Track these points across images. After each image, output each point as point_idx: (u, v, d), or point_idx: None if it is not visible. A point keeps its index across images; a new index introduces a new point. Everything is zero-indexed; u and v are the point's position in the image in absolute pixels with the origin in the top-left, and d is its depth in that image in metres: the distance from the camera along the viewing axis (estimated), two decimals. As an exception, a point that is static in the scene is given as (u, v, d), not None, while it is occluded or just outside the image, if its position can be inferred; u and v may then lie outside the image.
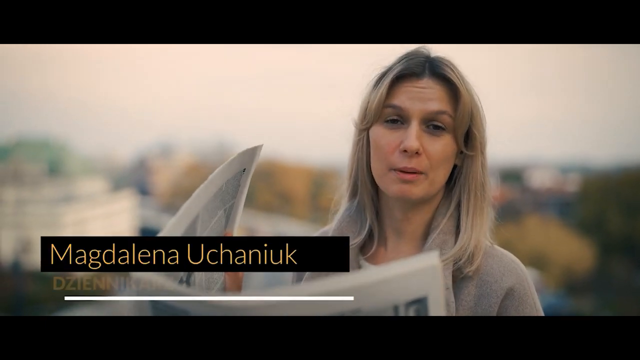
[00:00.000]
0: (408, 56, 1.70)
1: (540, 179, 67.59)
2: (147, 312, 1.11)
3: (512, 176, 65.78)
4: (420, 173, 1.64)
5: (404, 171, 1.63)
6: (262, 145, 1.60)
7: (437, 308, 1.07)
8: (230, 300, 1.03)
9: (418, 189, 1.65)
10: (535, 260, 38.08)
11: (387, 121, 1.67)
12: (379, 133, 1.68)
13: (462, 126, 1.66)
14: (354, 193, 1.79)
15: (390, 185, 1.66)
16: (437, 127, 1.65)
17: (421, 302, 1.05)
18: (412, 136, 1.62)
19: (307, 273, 1.75)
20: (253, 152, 1.58)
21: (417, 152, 1.62)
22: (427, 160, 1.64)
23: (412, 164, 1.63)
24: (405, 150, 1.62)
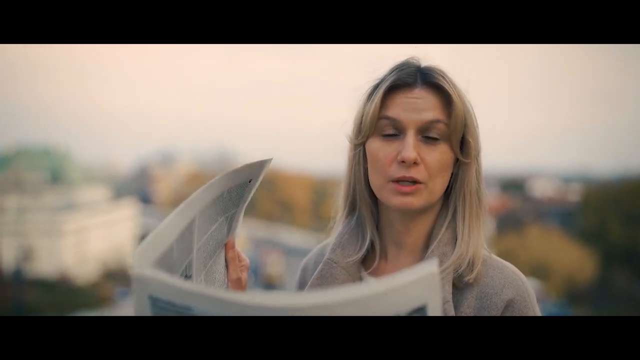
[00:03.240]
0: (399, 67, 1.69)
1: (542, 189, 67.64)
2: (147, 312, 1.10)
3: (514, 186, 65.82)
4: (420, 183, 1.63)
5: (402, 181, 1.62)
6: (271, 159, 1.59)
7: (437, 315, 1.06)
8: (239, 299, 1.02)
9: (418, 200, 1.64)
10: (536, 270, 38.06)
11: (383, 134, 1.66)
12: (375, 146, 1.66)
13: (456, 133, 1.65)
14: (352, 208, 1.78)
15: (390, 198, 1.65)
16: (433, 137, 1.64)
17: (421, 310, 1.05)
18: (410, 146, 1.61)
19: (309, 284, 1.74)
20: (262, 164, 1.56)
21: (415, 162, 1.61)
22: (425, 170, 1.63)
23: (411, 173, 1.61)
24: (403, 161, 1.61)
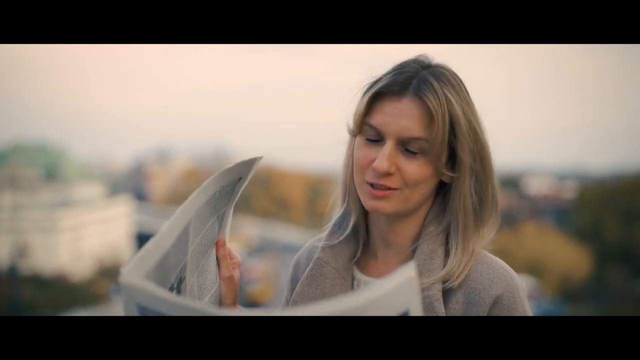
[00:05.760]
0: (398, 69, 1.65)
1: (537, 186, 67.67)
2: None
3: (510, 183, 65.78)
4: (394, 189, 1.62)
5: (374, 186, 1.62)
6: (262, 157, 1.59)
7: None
8: (222, 314, 1.03)
9: (390, 205, 1.63)
10: (532, 268, 38.06)
11: (366, 137, 1.64)
12: (359, 145, 1.66)
13: (436, 152, 1.61)
14: (344, 198, 1.78)
15: (364, 199, 1.65)
16: (413, 149, 1.61)
17: (405, 315, 1.05)
18: (384, 157, 1.59)
19: (296, 291, 1.74)
20: (252, 162, 1.57)
21: (388, 173, 1.60)
22: (401, 179, 1.61)
23: (383, 181, 1.60)
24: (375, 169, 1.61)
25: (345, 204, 1.78)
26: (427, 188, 1.65)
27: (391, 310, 1.04)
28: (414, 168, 1.61)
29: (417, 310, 1.06)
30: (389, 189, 1.61)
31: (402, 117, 1.60)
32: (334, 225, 1.78)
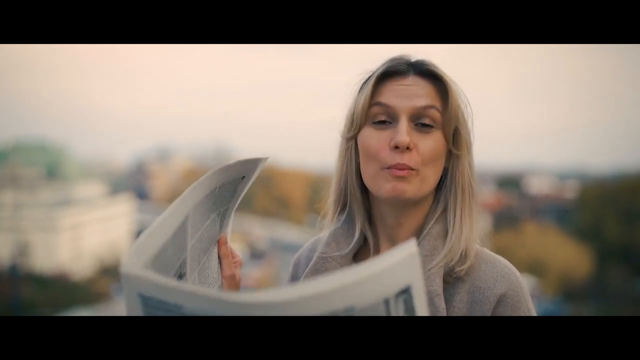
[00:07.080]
0: (390, 59, 1.69)
1: (538, 186, 67.68)
2: (138, 310, 1.11)
3: (510, 182, 65.87)
4: (412, 169, 1.62)
5: (396, 168, 1.61)
6: (267, 158, 1.58)
7: (420, 295, 1.07)
8: (229, 298, 1.03)
9: (410, 187, 1.62)
10: (532, 267, 38.09)
11: (375, 122, 1.65)
12: (368, 134, 1.66)
13: (451, 121, 1.65)
14: (344, 204, 1.78)
15: (383, 185, 1.64)
16: (426, 124, 1.63)
17: (407, 291, 1.05)
18: (403, 131, 1.60)
19: (302, 279, 1.75)
20: (256, 162, 1.56)
21: (408, 148, 1.61)
22: (419, 157, 1.62)
23: (404, 160, 1.60)
24: (396, 147, 1.61)
25: (347, 209, 1.77)
26: (439, 167, 1.67)
27: (393, 285, 1.04)
28: (430, 143, 1.63)
29: (419, 287, 1.06)
30: (408, 168, 1.62)
31: (411, 90, 1.64)
32: (334, 234, 1.77)
